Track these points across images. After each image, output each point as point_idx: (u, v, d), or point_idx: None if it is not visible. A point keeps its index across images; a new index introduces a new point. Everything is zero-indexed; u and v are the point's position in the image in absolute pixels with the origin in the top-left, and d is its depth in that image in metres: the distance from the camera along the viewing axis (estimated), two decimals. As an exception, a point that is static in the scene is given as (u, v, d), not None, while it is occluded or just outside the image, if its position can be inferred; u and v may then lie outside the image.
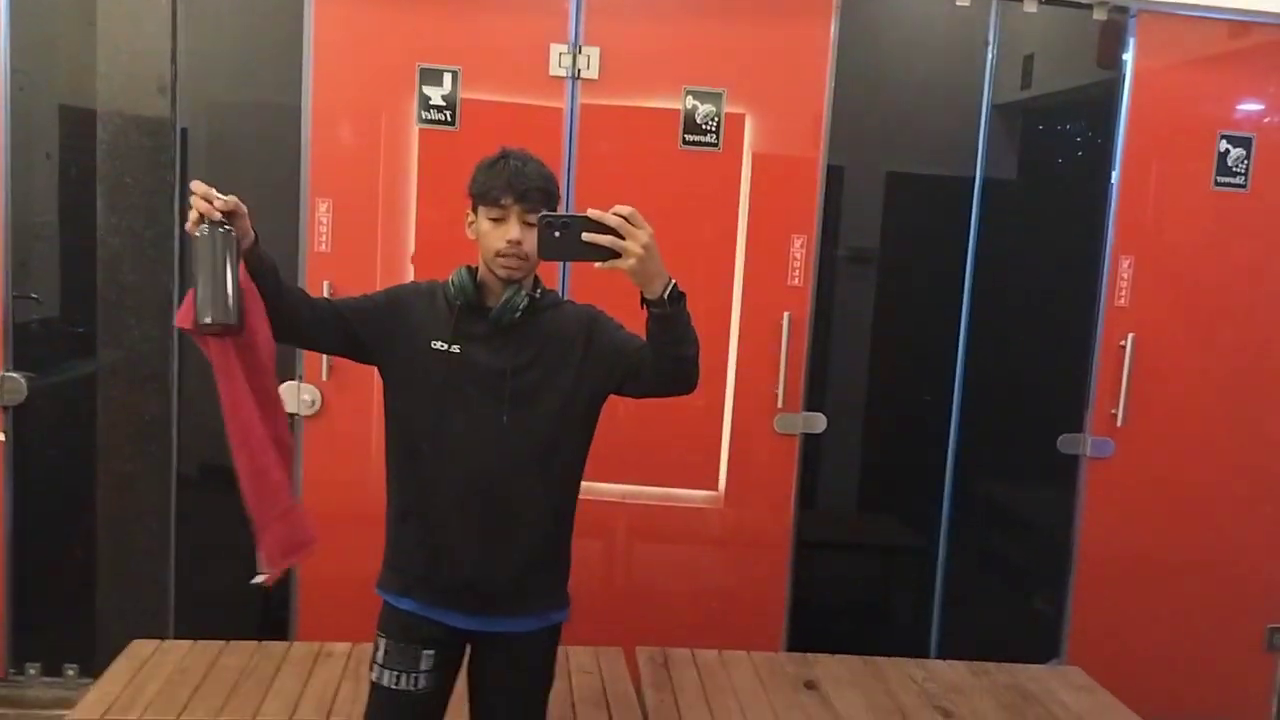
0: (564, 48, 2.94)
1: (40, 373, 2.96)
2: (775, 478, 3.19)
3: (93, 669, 2.86)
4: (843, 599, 3.63)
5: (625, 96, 2.98)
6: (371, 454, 2.90)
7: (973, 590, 3.47)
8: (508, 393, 1.91)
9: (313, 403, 2.92)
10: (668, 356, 1.82)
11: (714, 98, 3.00)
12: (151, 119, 2.81)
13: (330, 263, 2.91)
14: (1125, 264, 3.24)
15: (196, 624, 2.96)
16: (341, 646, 2.69)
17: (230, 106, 2.99)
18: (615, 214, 1.67)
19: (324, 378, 2.92)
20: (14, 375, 2.82)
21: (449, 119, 2.93)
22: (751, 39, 3.02)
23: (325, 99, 2.90)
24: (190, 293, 1.67)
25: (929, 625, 3.43)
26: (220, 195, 1.68)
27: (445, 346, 1.93)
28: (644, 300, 1.75)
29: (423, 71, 2.91)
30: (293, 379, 2.91)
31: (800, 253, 3.10)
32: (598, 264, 1.68)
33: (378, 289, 2.04)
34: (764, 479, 3.19)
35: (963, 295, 3.26)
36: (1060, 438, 3.31)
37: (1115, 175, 3.23)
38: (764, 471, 3.18)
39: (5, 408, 2.83)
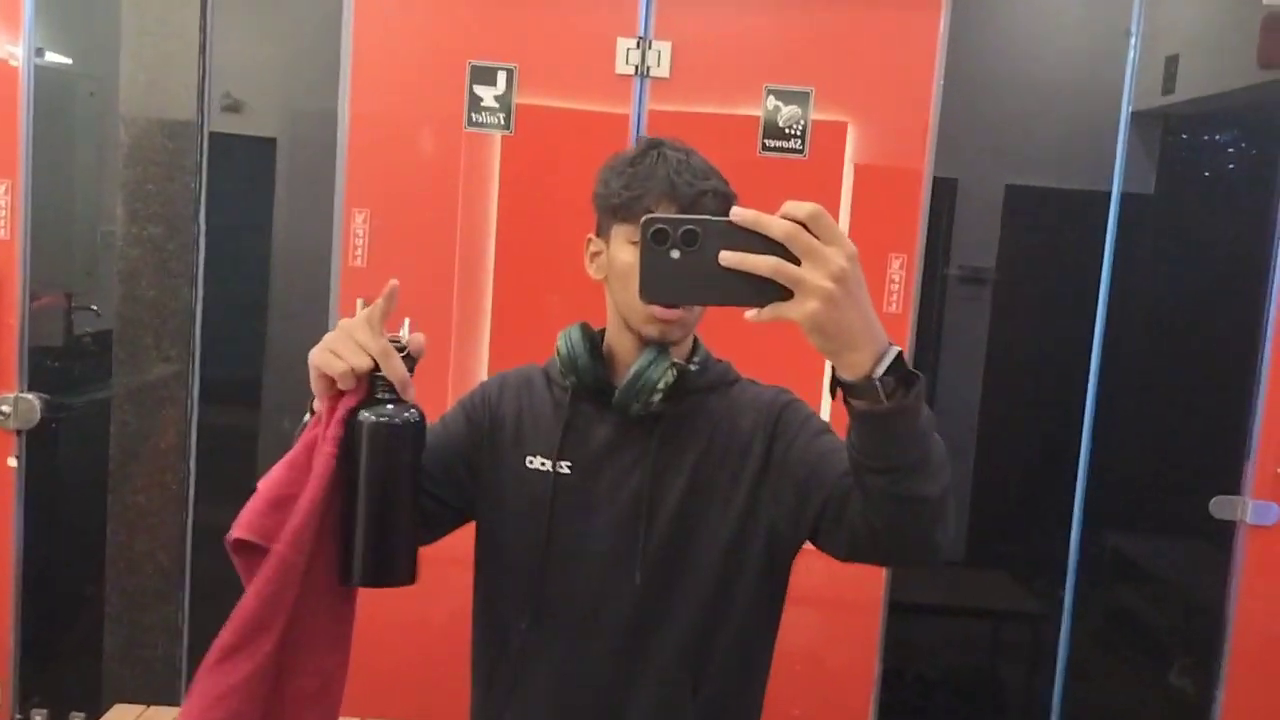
0: (631, 42, 2.60)
1: (66, 393, 2.78)
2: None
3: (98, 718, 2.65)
4: (942, 669, 3.22)
5: (698, 98, 2.63)
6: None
7: (1101, 662, 3.01)
8: (642, 536, 1.24)
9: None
10: (883, 493, 1.02)
11: (800, 98, 2.62)
12: (176, 122, 2.59)
13: (365, 278, 2.63)
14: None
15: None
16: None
17: (264, 109, 2.78)
18: (786, 216, 0.90)
19: (356, 406, 2.64)
20: (27, 397, 2.62)
21: (503, 122, 2.62)
22: (844, 31, 2.63)
23: (364, 100, 2.62)
24: (261, 494, 1.07)
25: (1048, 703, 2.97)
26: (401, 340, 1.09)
27: (548, 465, 1.27)
28: (836, 381, 0.97)
29: (474, 69, 2.62)
30: (321, 407, 2.65)
31: (900, 275, 2.69)
32: (750, 312, 0.92)
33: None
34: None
35: (1095, 324, 2.80)
36: (1213, 499, 2.80)
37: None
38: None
39: (18, 431, 2.63)
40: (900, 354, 0.95)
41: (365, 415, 1.08)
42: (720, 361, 1.36)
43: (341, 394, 1.08)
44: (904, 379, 0.95)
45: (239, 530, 1.06)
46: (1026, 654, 3.16)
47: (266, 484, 1.09)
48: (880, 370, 0.93)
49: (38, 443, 2.67)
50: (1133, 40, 2.69)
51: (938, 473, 1.02)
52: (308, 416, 1.15)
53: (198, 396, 2.65)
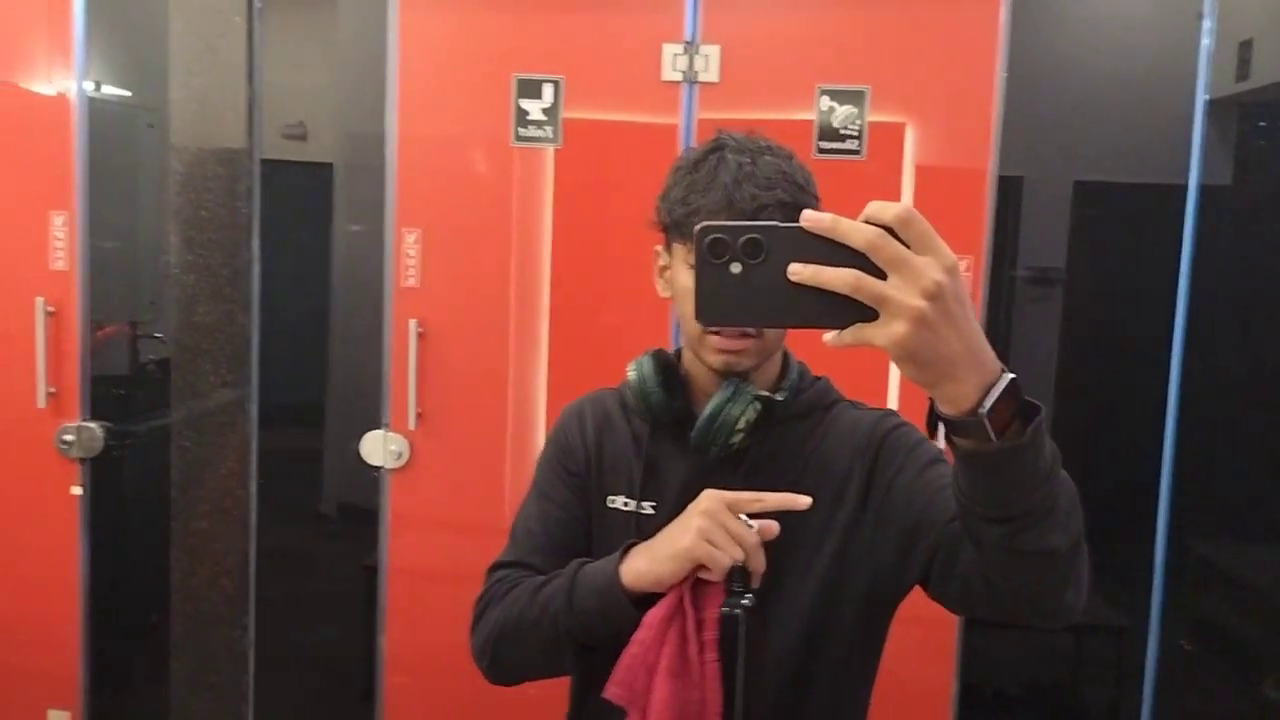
0: (678, 47, 2.55)
1: (131, 421, 2.80)
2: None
3: (168, 748, 2.65)
4: (1024, 684, 3.09)
5: (750, 102, 2.56)
6: (464, 510, 2.59)
7: (1191, 676, 2.86)
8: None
9: (400, 454, 2.62)
10: (998, 547, 0.87)
11: (855, 97, 2.54)
12: (227, 150, 2.60)
13: (418, 298, 2.61)
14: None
15: (281, 693, 2.72)
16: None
17: (320, 135, 2.78)
18: (869, 220, 0.76)
19: (411, 426, 2.61)
20: (90, 425, 2.63)
21: (551, 135, 2.58)
22: (899, 26, 2.55)
23: (411, 119, 2.60)
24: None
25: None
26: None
27: (631, 505, 1.18)
28: (936, 415, 0.82)
29: (520, 83, 2.58)
30: (377, 428, 2.63)
31: (966, 279, 2.59)
32: (829, 336, 0.78)
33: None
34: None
35: (1175, 322, 2.67)
36: (1306, 502, 2.67)
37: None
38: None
39: (81, 460, 2.65)
40: (1014, 382, 0.79)
41: (739, 612, 1.03)
42: (818, 380, 1.22)
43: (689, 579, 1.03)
44: (1020, 411, 0.80)
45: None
46: (1112, 668, 3.02)
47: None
48: (989, 403, 0.78)
49: (102, 471, 2.69)
50: (1205, 24, 2.56)
51: (1066, 521, 0.86)
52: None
53: (257, 421, 2.64)
